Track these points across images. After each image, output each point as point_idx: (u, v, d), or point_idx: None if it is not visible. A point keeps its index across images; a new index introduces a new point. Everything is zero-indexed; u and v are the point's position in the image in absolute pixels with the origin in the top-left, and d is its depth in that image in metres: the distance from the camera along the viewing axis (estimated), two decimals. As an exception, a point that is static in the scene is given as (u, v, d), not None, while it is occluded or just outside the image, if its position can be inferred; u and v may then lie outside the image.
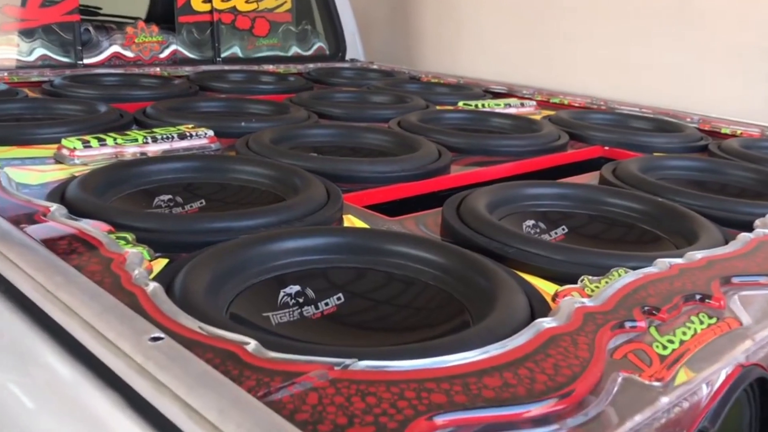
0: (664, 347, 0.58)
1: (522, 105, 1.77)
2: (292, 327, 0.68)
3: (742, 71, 1.97)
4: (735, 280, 0.70)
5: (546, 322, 0.57)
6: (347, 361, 0.49)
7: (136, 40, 2.06)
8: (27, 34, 1.88)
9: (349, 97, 1.79)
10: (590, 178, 1.19)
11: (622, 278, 0.67)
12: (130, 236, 0.73)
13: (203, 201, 0.99)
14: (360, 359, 0.49)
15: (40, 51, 1.89)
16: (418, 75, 2.34)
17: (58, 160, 1.09)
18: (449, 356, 0.51)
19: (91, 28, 2.00)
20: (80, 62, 1.95)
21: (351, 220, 0.91)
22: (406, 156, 1.17)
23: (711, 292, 0.66)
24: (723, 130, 1.61)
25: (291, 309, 0.70)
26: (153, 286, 0.59)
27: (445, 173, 1.18)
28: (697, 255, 0.74)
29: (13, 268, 0.61)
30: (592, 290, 0.67)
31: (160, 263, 0.72)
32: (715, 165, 1.24)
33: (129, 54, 2.06)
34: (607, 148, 1.43)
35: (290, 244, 0.73)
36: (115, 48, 2.03)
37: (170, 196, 0.97)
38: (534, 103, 1.83)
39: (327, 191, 0.94)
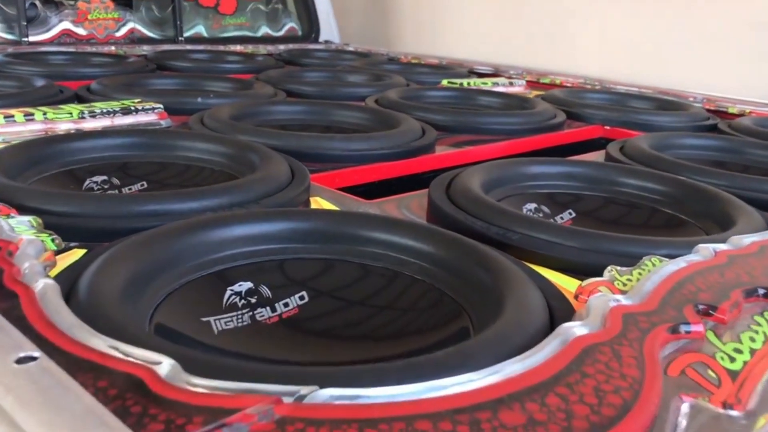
0: (732, 359, 0.44)
1: (511, 84, 1.63)
2: (239, 335, 0.52)
3: (744, 49, 1.84)
4: (801, 270, 0.56)
5: (575, 328, 0.42)
6: (303, 389, 0.34)
7: (89, 17, 1.88)
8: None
9: (322, 76, 1.63)
10: (594, 157, 1.04)
11: (662, 268, 0.52)
12: (35, 221, 0.57)
13: (144, 183, 0.83)
14: (322, 386, 0.34)
15: (-22, 27, 1.72)
16: (397, 56, 2.18)
17: (-23, 137, 0.92)
18: (448, 379, 0.36)
19: (37, 2, 1.82)
20: (25, 39, 1.77)
21: (319, 203, 0.76)
22: (386, 132, 1.01)
23: (775, 286, 0.52)
24: (730, 110, 1.48)
25: (240, 312, 0.55)
26: (44, 283, 0.44)
27: (430, 152, 1.03)
28: (745, 240, 0.60)
29: None
30: (624, 284, 0.52)
31: (76, 254, 0.57)
32: (733, 143, 1.10)
33: (81, 31, 1.88)
34: (608, 127, 1.29)
35: (240, 230, 0.57)
36: (66, 24, 1.85)
37: (105, 177, 0.82)
38: (523, 82, 1.69)
39: (291, 170, 0.79)
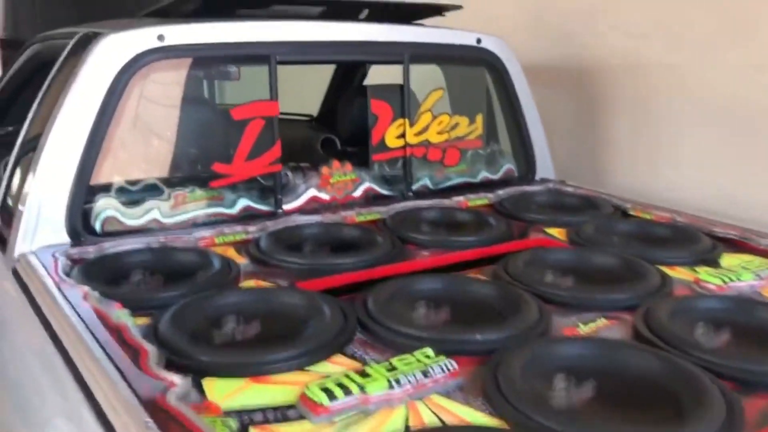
0: None
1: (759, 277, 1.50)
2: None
3: None
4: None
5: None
6: None
7: (330, 181, 2.04)
8: (232, 187, 1.90)
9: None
10: None
11: None
12: None
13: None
14: None
15: (243, 202, 1.90)
16: (624, 205, 2.10)
17: (303, 414, 1.02)
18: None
19: (288, 172, 2.00)
20: (280, 210, 1.94)
21: None
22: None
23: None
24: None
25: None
26: None
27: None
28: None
29: None
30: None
31: None
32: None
33: (324, 196, 2.04)
34: None
35: None
36: (312, 192, 2.01)
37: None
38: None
39: None
